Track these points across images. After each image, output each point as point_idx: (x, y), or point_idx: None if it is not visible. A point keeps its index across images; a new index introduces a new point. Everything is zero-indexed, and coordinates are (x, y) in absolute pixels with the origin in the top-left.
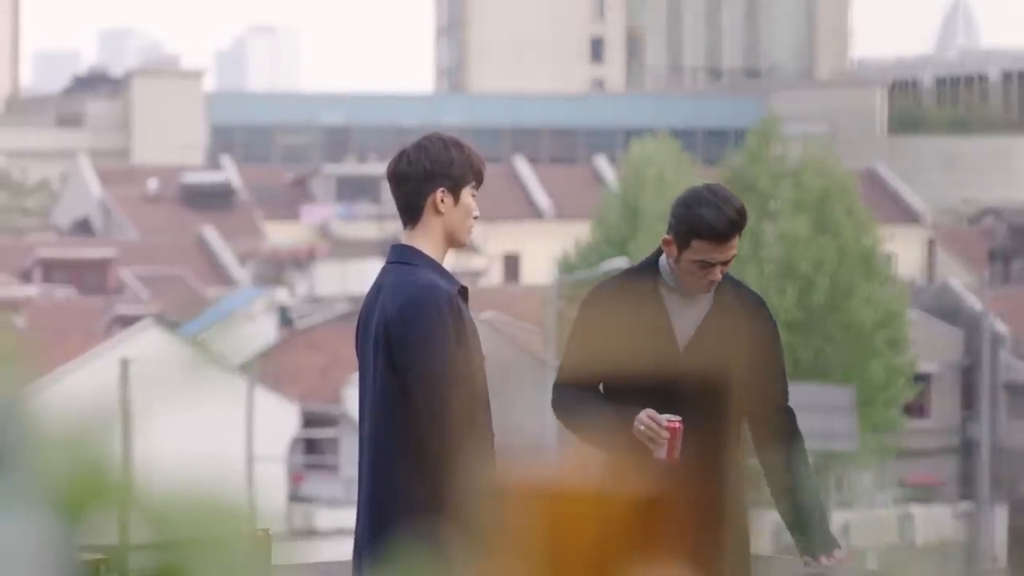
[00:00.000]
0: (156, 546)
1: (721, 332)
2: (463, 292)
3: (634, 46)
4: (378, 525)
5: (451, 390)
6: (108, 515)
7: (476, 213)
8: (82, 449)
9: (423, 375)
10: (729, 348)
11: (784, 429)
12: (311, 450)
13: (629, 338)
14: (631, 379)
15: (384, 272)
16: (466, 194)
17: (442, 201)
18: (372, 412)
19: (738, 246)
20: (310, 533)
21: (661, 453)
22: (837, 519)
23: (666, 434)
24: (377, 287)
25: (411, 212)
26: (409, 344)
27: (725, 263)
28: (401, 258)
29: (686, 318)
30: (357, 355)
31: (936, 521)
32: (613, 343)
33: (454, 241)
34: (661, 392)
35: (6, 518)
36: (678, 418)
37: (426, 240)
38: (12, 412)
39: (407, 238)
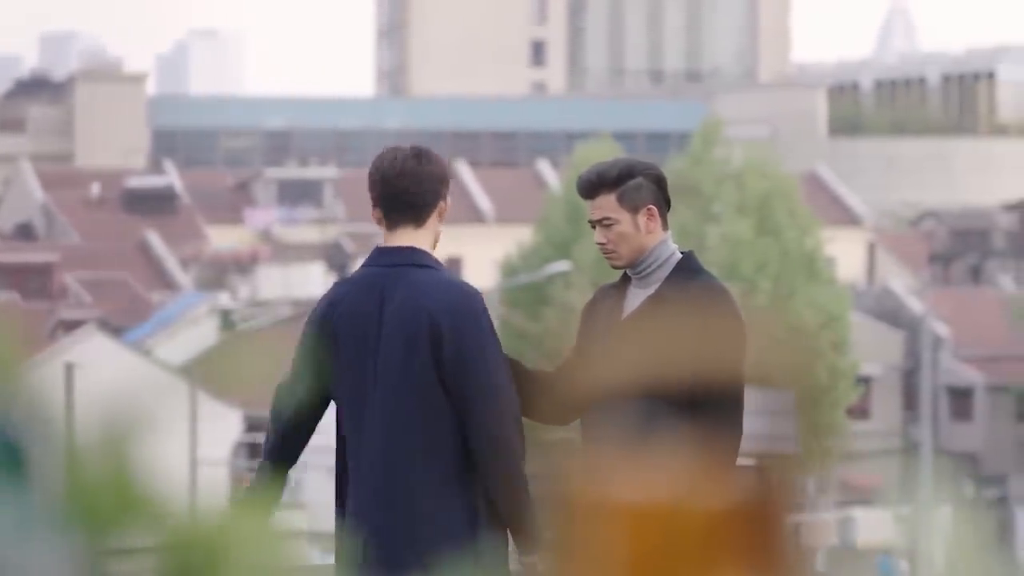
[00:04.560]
0: (175, 549)
1: (641, 323)
2: None
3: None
4: (405, 528)
5: (505, 388)
6: (134, 524)
7: None
8: (106, 457)
9: (479, 374)
10: (646, 339)
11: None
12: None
13: (589, 329)
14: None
15: (385, 275)
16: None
17: (444, 210)
18: (397, 413)
19: (622, 217)
20: None
21: None
22: None
23: None
24: (377, 290)
25: (419, 212)
26: (465, 342)
27: (596, 223)
28: (415, 260)
29: (631, 308)
30: (337, 355)
31: (877, 524)
32: (581, 334)
33: (435, 248)
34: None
35: (28, 531)
36: None
37: (427, 245)
38: (28, 417)
39: (405, 239)
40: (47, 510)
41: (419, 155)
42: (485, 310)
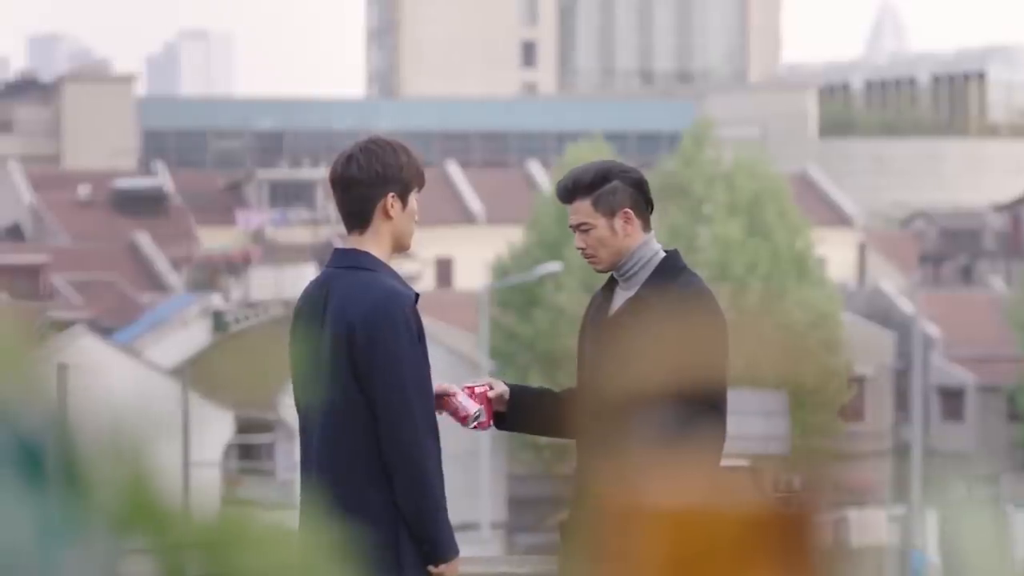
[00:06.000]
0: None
1: (620, 325)
2: (415, 299)
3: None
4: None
5: (415, 397)
6: (152, 526)
7: (417, 217)
8: (124, 459)
9: (387, 381)
10: (625, 341)
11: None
12: (246, 455)
13: (580, 333)
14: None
15: (332, 276)
16: (412, 199)
17: (392, 206)
18: (327, 415)
19: (598, 222)
20: None
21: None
22: None
23: (474, 407)
24: (324, 291)
25: (360, 217)
26: (375, 349)
27: (575, 228)
28: (355, 263)
29: (614, 310)
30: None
31: (869, 524)
32: (578, 339)
33: (400, 246)
34: (585, 384)
35: (47, 532)
36: (483, 384)
37: (375, 245)
38: (43, 417)
39: (355, 243)
40: (65, 511)
41: (351, 158)
42: (406, 317)
